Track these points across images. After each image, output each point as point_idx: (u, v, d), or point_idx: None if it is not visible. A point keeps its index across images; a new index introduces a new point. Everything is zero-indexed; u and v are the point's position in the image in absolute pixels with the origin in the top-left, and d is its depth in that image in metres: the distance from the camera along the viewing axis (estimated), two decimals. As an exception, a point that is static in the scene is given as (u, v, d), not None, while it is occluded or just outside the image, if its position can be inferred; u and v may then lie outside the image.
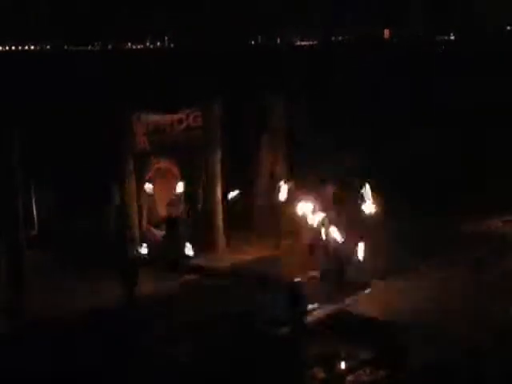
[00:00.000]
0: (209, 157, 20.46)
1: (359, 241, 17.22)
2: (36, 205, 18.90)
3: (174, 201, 19.95)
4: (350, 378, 12.88)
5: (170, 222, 19.44)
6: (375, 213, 17.81)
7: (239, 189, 20.74)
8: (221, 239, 20.31)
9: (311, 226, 17.94)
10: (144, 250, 18.90)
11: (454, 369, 12.96)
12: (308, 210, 18.00)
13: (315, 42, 34.02)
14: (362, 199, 17.85)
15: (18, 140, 16.72)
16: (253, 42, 33.90)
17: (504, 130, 24.41)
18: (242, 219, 20.86)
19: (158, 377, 13.16)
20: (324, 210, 17.84)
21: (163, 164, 20.24)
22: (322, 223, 17.62)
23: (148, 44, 32.82)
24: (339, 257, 17.11)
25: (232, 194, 20.24)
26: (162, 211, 19.84)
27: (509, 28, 35.66)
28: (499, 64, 26.63)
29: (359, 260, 17.16)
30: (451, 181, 22.95)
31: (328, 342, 14.08)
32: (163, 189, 20.18)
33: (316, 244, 17.70)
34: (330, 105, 23.78)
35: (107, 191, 18.77)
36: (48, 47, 29.84)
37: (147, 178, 19.78)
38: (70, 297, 16.74)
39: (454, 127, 24.77)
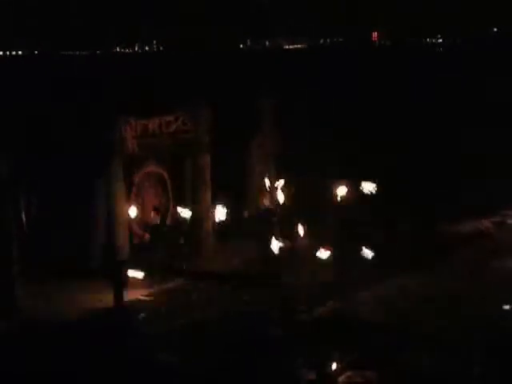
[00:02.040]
0: (197, 161, 20.44)
1: None
2: (25, 208, 18.81)
3: (161, 206, 20.01)
4: (341, 378, 12.86)
5: (156, 227, 19.47)
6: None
7: (228, 194, 20.70)
8: (209, 243, 20.29)
9: None
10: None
11: (442, 370, 12.98)
12: None
13: (304, 46, 34.09)
14: None
15: (8, 145, 16.72)
16: (241, 46, 33.95)
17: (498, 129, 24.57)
18: (231, 224, 20.81)
19: (152, 379, 13.13)
20: None
21: (152, 167, 20.20)
22: None
23: (137, 48, 32.84)
24: None
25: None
26: (150, 215, 19.76)
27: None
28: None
29: None
30: (442, 181, 23.02)
31: (319, 343, 14.07)
32: (151, 192, 20.15)
33: None
34: (321, 108, 23.79)
35: (96, 194, 18.69)
36: (36, 52, 29.83)
37: (136, 181, 19.74)
38: (60, 299, 16.74)
39: (449, 128, 24.91)
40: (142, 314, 15.94)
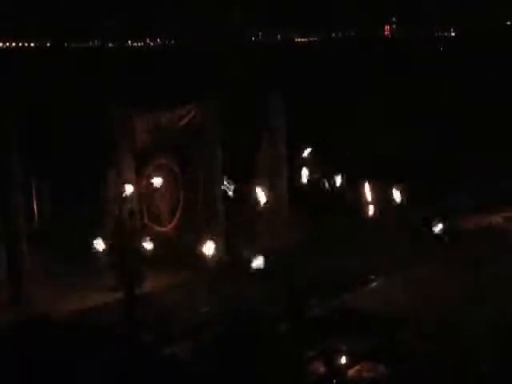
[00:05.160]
0: (208, 154, 20.44)
1: None
2: (36, 199, 18.91)
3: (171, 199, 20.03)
4: (350, 373, 12.86)
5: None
6: None
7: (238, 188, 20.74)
8: (221, 236, 20.32)
9: None
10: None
11: (451, 364, 12.97)
12: None
13: (315, 39, 34.06)
14: None
15: (19, 136, 16.78)
16: (253, 39, 33.95)
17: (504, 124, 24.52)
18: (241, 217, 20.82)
19: (157, 376, 13.15)
20: None
21: (163, 161, 20.22)
22: None
23: (148, 41, 32.89)
24: None
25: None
26: (162, 208, 19.81)
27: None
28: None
29: None
30: (451, 175, 23.00)
31: (327, 338, 14.07)
32: (163, 186, 20.17)
33: None
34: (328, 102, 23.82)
35: (107, 188, 18.75)
36: (48, 44, 29.90)
37: (147, 175, 19.76)
38: (69, 293, 16.79)
39: (453, 123, 24.89)
40: (151, 309, 15.95)
